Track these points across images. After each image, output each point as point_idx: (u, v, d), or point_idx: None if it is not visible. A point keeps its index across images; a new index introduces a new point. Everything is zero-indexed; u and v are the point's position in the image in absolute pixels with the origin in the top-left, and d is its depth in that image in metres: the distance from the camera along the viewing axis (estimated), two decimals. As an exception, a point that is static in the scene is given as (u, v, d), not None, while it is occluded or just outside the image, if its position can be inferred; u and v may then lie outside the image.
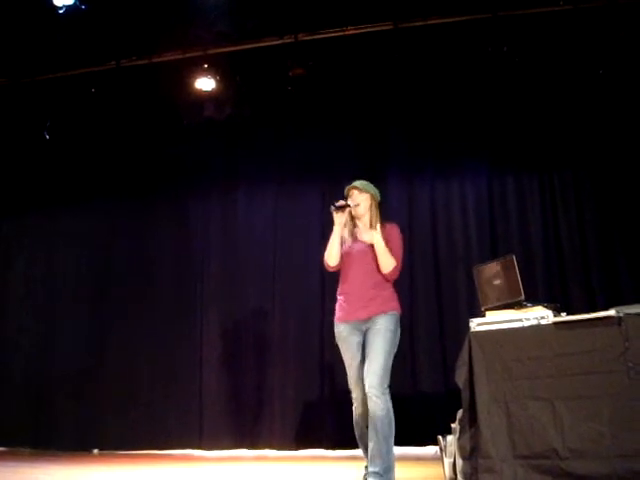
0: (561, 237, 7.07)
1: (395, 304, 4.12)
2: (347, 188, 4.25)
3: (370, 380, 3.86)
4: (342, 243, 4.19)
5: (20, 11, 6.64)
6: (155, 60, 7.52)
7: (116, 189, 8.46)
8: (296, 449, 7.13)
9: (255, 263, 7.78)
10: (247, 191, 8.11)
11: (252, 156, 7.99)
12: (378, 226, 4.11)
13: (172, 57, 7.48)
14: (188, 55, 7.40)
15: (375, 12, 6.89)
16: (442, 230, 7.43)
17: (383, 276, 4.08)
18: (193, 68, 7.43)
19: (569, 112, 7.27)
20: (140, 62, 7.57)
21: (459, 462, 4.16)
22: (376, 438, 3.82)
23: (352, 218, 4.24)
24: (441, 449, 4.63)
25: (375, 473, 3.80)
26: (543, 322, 3.99)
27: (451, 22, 6.85)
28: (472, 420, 3.99)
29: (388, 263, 4.05)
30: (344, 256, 4.18)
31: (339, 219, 4.14)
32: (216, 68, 7.39)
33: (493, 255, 6.72)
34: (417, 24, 6.92)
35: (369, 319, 4.03)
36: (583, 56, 6.87)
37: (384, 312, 4.03)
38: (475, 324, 4.18)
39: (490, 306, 4.35)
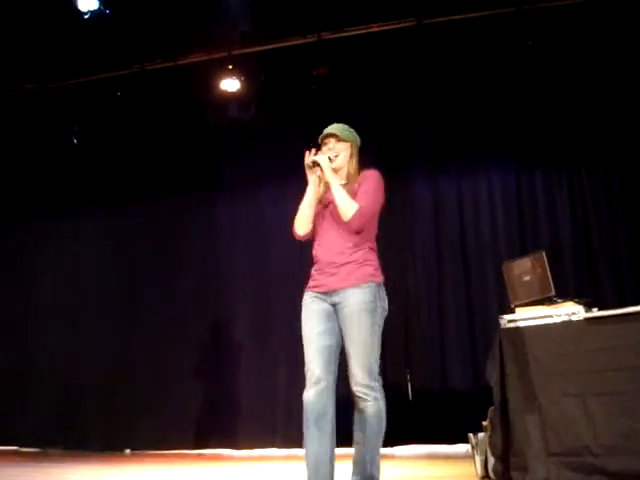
0: (591, 232, 6.98)
1: (372, 271, 3.33)
2: (322, 135, 3.56)
3: (355, 378, 3.19)
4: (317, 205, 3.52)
5: (46, 17, 6.70)
6: (180, 62, 7.57)
7: (142, 191, 8.53)
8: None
9: (281, 263, 7.78)
10: (272, 191, 8.12)
11: (276, 156, 8.00)
12: (325, 166, 3.40)
13: (197, 59, 7.53)
14: (213, 56, 7.44)
15: (398, 9, 6.87)
16: (470, 227, 7.39)
17: (356, 235, 3.36)
18: (218, 69, 7.45)
19: (596, 105, 7.18)
20: (165, 65, 7.62)
21: (491, 460, 4.14)
22: (362, 441, 3.23)
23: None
24: (472, 447, 4.60)
25: None
26: (574, 318, 3.96)
27: (474, 17, 6.80)
28: (503, 417, 3.97)
29: (346, 208, 3.31)
30: (316, 219, 3.49)
31: (314, 178, 3.47)
32: (240, 69, 7.41)
33: (522, 251, 6.67)
34: (440, 20, 6.90)
35: (339, 291, 3.27)
36: (610, 47, 6.78)
37: (357, 284, 3.25)
38: (505, 321, 4.15)
39: (520, 302, 4.32)
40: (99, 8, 6.52)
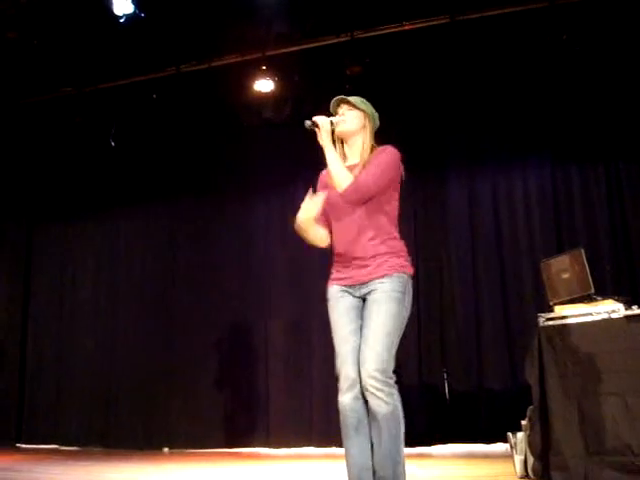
0: (629, 228, 6.87)
1: (403, 262, 3.10)
2: (333, 101, 3.31)
3: (368, 367, 2.88)
4: (328, 189, 3.24)
5: (82, 21, 6.79)
6: (214, 64, 7.62)
7: (178, 192, 8.60)
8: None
9: (317, 261, 7.79)
10: (306, 190, 8.11)
11: (311, 155, 7.99)
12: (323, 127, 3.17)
13: (231, 60, 7.57)
14: (247, 57, 7.47)
15: (431, 6, 6.84)
16: (505, 224, 7.32)
17: (373, 221, 3.12)
18: (252, 70, 7.49)
19: (631, 99, 7.06)
20: (199, 67, 7.68)
21: (530, 459, 4.12)
22: (380, 440, 2.90)
23: (342, 148, 3.31)
24: (511, 446, 4.57)
25: None
26: (614, 316, 3.92)
27: (508, 13, 6.74)
28: (543, 417, 3.94)
29: (340, 178, 3.10)
30: (330, 204, 3.21)
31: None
32: (274, 69, 7.43)
33: (558, 249, 6.61)
34: (473, 16, 6.85)
35: (367, 283, 3.06)
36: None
37: (388, 274, 3.03)
38: (544, 319, 4.12)
39: (559, 300, 4.28)
40: (134, 11, 6.59)
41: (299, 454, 7.29)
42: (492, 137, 7.50)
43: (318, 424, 7.35)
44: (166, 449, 7.90)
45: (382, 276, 3.03)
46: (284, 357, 7.77)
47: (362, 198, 3.09)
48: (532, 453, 4.08)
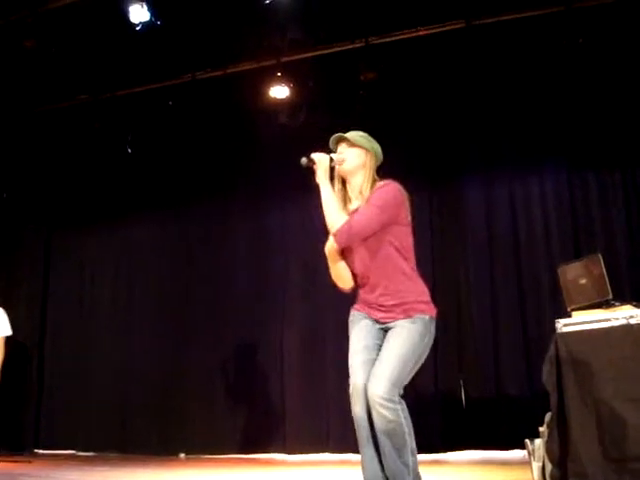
0: (647, 233, 6.84)
1: (424, 305, 3.07)
2: (332, 139, 3.22)
3: (374, 386, 2.89)
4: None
5: (99, 29, 6.85)
6: (229, 71, 7.66)
7: (194, 198, 8.64)
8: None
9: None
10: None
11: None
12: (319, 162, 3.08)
13: (246, 67, 7.61)
14: (262, 64, 7.50)
15: (446, 11, 6.83)
16: (523, 230, 7.27)
17: (398, 263, 3.06)
18: (267, 77, 7.52)
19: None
20: (215, 74, 7.72)
21: (548, 466, 4.08)
22: (384, 452, 2.91)
23: (344, 189, 3.21)
24: (529, 453, 4.53)
25: None
26: (632, 321, 3.87)
27: (524, 17, 6.72)
28: (561, 423, 3.90)
29: (332, 219, 3.06)
30: (346, 251, 3.17)
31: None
32: (289, 75, 7.46)
33: (576, 254, 6.56)
34: (489, 21, 6.83)
35: (390, 322, 3.07)
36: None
37: (410, 316, 3.02)
38: (562, 325, 4.08)
39: (576, 306, 4.25)
40: (150, 19, 6.63)
41: (315, 460, 7.28)
42: (509, 142, 7.46)
43: (334, 430, 7.34)
44: (182, 455, 7.91)
45: (404, 318, 3.03)
46: (300, 363, 7.76)
47: (353, 240, 3.05)
48: (550, 460, 4.04)
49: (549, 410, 4.08)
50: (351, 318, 3.20)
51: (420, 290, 3.11)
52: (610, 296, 4.05)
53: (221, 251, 8.42)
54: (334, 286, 7.36)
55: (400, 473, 2.88)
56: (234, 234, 8.43)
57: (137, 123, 8.25)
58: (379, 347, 3.05)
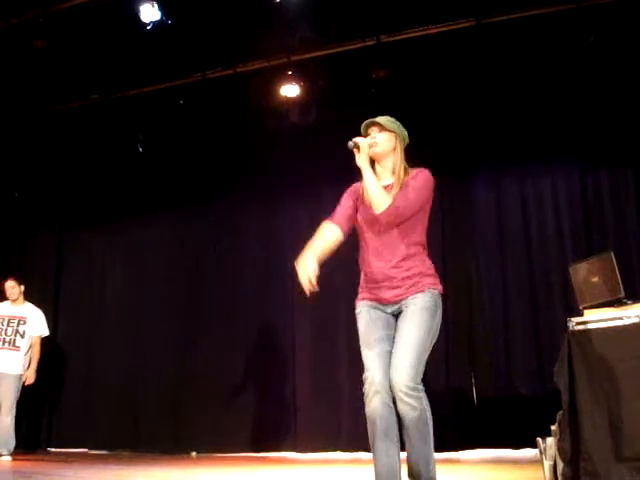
0: (659, 231, 6.80)
1: (432, 280, 3.22)
2: (364, 124, 3.40)
3: (398, 377, 2.96)
4: (359, 204, 3.37)
5: (110, 29, 6.87)
6: (240, 70, 7.67)
7: (205, 197, 8.66)
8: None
9: (344, 264, 7.77)
10: (333, 195, 8.11)
11: (338, 160, 7.97)
12: (364, 144, 3.25)
13: (256, 66, 7.62)
14: (272, 63, 7.51)
15: (457, 9, 6.82)
16: (534, 229, 7.25)
17: (412, 239, 3.24)
18: (277, 75, 7.53)
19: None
20: (225, 73, 7.73)
21: (560, 465, 4.07)
22: (411, 441, 3.02)
23: (373, 167, 3.33)
24: (541, 452, 4.52)
25: None
26: (645, 320, 3.86)
27: (534, 15, 6.69)
28: (573, 422, 3.89)
29: (378, 200, 3.18)
30: (364, 221, 3.31)
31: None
32: (300, 74, 7.47)
33: (588, 252, 6.54)
34: (500, 19, 6.81)
35: (399, 302, 3.18)
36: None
37: (421, 291, 3.15)
38: (574, 323, 4.07)
39: (588, 304, 4.24)
40: (161, 18, 6.65)
41: (326, 459, 7.28)
42: (520, 140, 7.42)
43: (346, 428, 7.34)
44: (194, 453, 7.93)
45: (413, 293, 3.15)
46: (311, 361, 7.77)
47: (398, 221, 3.20)
48: (562, 458, 4.03)
49: (561, 408, 4.07)
50: (358, 310, 3.29)
51: (428, 264, 3.28)
52: (622, 294, 4.04)
53: (231, 250, 8.44)
54: (346, 279, 7.33)
55: (426, 458, 3.02)
56: (244, 233, 8.44)
57: (148, 123, 8.26)
58: (391, 337, 3.14)
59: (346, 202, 3.46)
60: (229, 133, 8.32)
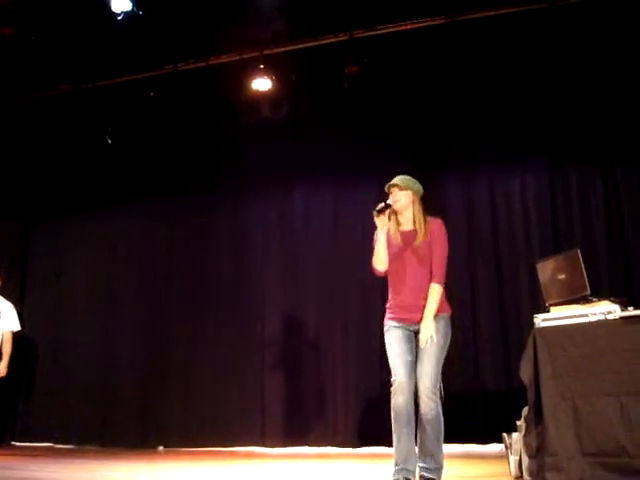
0: (626, 230, 6.86)
1: (445, 305, 4.08)
2: (387, 185, 4.19)
3: (424, 383, 3.85)
4: (388, 245, 4.15)
5: (80, 19, 6.78)
6: (212, 62, 7.62)
7: (174, 190, 8.60)
8: (359, 446, 7.15)
9: (314, 261, 7.79)
10: (304, 190, 8.15)
11: (308, 154, 7.99)
12: (431, 321, 3.96)
13: (229, 59, 7.57)
14: (244, 56, 7.47)
15: (430, 6, 6.83)
16: (503, 226, 7.31)
17: (429, 271, 4.06)
18: (249, 69, 7.49)
19: (631, 102, 7.04)
20: (197, 65, 7.68)
21: (525, 460, 4.11)
22: (426, 436, 3.86)
23: (396, 218, 4.18)
24: (506, 447, 4.57)
25: (427, 469, 3.87)
26: (610, 317, 3.90)
27: (507, 13, 6.74)
28: (538, 417, 3.92)
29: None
30: (391, 259, 4.14)
31: (381, 222, 4.10)
32: (272, 68, 7.43)
33: (555, 250, 6.61)
34: (473, 17, 6.84)
35: (418, 323, 3.98)
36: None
37: (436, 315, 3.98)
38: (540, 320, 4.11)
39: (555, 301, 4.27)
40: (132, 9, 6.57)
41: (295, 453, 7.27)
42: (490, 138, 7.49)
43: (314, 423, 7.35)
44: (161, 447, 7.90)
45: None
46: (280, 356, 7.77)
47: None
48: (527, 453, 4.07)
49: (527, 404, 4.10)
50: (386, 328, 4.10)
51: (444, 293, 4.09)
52: (588, 292, 4.08)
53: (202, 244, 8.39)
54: (315, 276, 7.41)
55: (437, 450, 3.88)
56: (215, 227, 8.41)
57: (118, 114, 8.17)
58: (413, 349, 3.98)
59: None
60: (200, 126, 8.27)
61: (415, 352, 3.97)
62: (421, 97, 7.68)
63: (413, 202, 4.16)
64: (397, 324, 4.04)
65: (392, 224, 4.15)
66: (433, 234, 4.09)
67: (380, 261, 4.13)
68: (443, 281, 4.04)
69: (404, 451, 3.87)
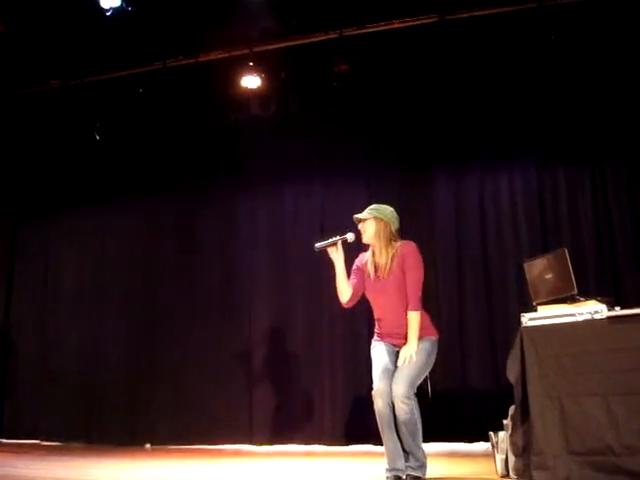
0: (613, 230, 6.88)
1: (429, 330, 4.20)
2: (354, 218, 4.31)
3: (397, 388, 3.95)
4: (365, 276, 4.28)
5: (69, 14, 6.75)
6: (201, 59, 7.60)
7: (164, 187, 8.57)
8: (346, 444, 7.15)
9: (303, 260, 7.78)
10: (293, 188, 8.14)
11: (298, 152, 7.98)
12: (414, 342, 4.07)
13: (218, 56, 7.56)
14: (233, 53, 7.46)
15: (420, 5, 6.85)
16: (491, 225, 7.32)
17: (406, 300, 4.15)
18: (239, 66, 7.47)
19: (620, 103, 7.07)
20: (186, 61, 7.66)
21: (511, 458, 4.13)
22: (403, 436, 4.00)
23: (372, 249, 4.28)
24: (493, 445, 4.58)
25: (411, 467, 4.04)
26: (597, 316, 3.92)
27: (497, 13, 6.76)
28: (524, 416, 3.94)
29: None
30: (369, 290, 4.28)
31: (335, 255, 4.30)
32: (261, 65, 7.42)
33: (543, 249, 6.62)
34: (462, 16, 6.86)
35: (403, 344, 4.12)
36: (635, 43, 6.70)
37: (420, 339, 4.09)
38: (527, 319, 4.12)
39: (542, 301, 4.29)
40: (121, 5, 6.55)
41: (281, 451, 7.27)
42: (479, 137, 7.49)
43: (300, 422, 7.34)
44: (148, 445, 7.87)
45: None
46: (267, 354, 7.76)
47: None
48: (513, 452, 4.09)
49: (514, 403, 4.12)
50: (373, 345, 4.29)
51: (424, 316, 4.20)
52: (575, 291, 4.10)
53: (191, 242, 8.36)
54: (304, 276, 7.49)
55: (415, 449, 4.03)
56: (204, 224, 8.37)
57: (107, 110, 8.14)
58: (393, 361, 4.11)
59: (353, 280, 4.37)
60: (189, 123, 8.24)
61: (396, 366, 4.09)
62: (411, 96, 7.68)
63: (378, 232, 4.22)
64: (382, 342, 4.23)
65: (369, 255, 4.28)
66: (405, 259, 4.14)
67: (341, 294, 4.32)
68: (419, 306, 4.10)
69: (391, 451, 4.04)
